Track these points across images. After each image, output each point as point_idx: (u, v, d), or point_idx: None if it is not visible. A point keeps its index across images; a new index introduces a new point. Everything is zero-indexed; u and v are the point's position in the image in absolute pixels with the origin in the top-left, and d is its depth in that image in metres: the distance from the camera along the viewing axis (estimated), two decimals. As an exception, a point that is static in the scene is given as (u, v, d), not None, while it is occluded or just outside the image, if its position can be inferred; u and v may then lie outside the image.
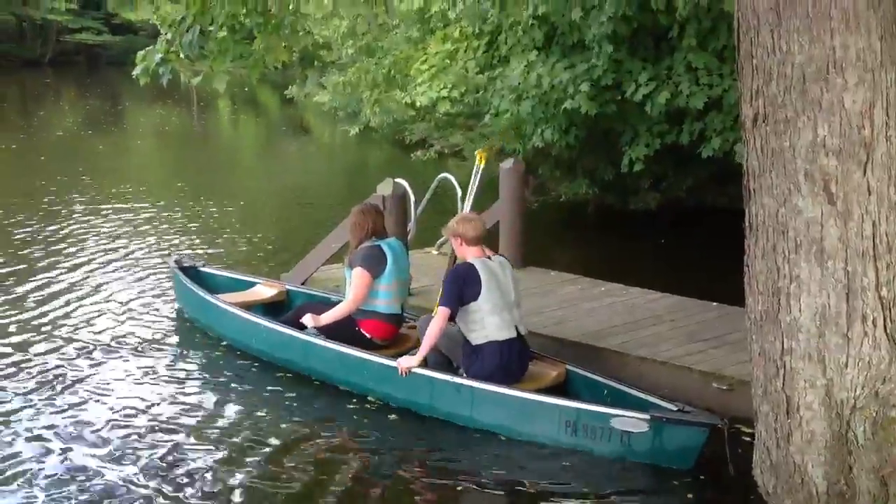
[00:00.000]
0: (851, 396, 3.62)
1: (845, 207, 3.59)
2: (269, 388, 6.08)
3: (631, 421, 4.85)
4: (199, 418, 5.57)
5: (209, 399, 5.89)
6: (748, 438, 4.32)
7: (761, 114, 3.77)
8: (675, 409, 4.94)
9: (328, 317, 6.16)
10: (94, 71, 44.69)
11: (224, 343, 6.79)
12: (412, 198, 8.05)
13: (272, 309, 7.06)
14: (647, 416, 4.82)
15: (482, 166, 6.82)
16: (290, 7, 7.69)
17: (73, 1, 43.30)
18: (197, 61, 8.38)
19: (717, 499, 4.64)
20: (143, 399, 5.82)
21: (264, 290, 7.36)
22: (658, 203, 11.34)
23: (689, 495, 4.67)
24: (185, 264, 7.75)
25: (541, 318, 6.68)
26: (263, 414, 5.66)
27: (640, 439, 4.85)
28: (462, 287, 5.42)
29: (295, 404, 5.85)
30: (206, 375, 6.30)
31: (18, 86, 37.19)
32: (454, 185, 8.40)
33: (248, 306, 6.99)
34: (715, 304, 6.97)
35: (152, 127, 26.23)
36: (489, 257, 5.63)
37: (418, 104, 12.30)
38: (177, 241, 10.82)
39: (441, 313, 5.47)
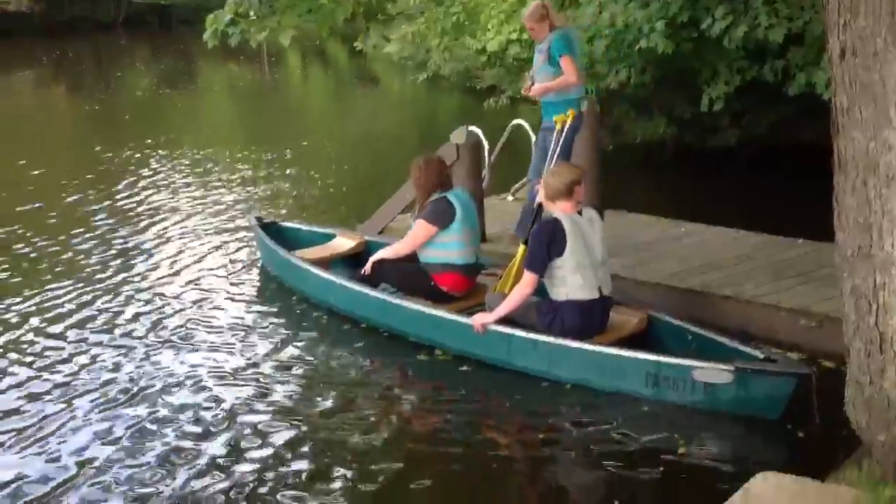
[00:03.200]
0: (947, 331, 3.57)
1: (938, 139, 3.50)
2: (349, 344, 6.14)
3: (714, 372, 4.77)
4: (270, 376, 5.66)
5: (286, 353, 5.99)
6: (838, 377, 4.29)
7: (849, 47, 3.67)
8: (762, 357, 4.86)
9: (383, 253, 6.31)
10: (166, 31, 45.24)
11: (305, 299, 6.89)
12: (486, 145, 8.06)
13: (352, 261, 7.14)
14: (731, 368, 4.73)
15: (565, 129, 6.73)
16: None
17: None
18: (264, 18, 8.47)
19: (807, 445, 4.58)
20: (218, 357, 5.95)
21: (344, 242, 7.44)
22: (738, 140, 11.14)
23: (779, 442, 4.65)
24: (266, 221, 7.87)
25: (620, 260, 6.65)
26: (341, 370, 5.74)
27: (724, 390, 4.78)
28: (549, 246, 5.32)
29: (375, 359, 5.92)
30: (286, 331, 6.40)
31: (94, 48, 37.89)
32: (528, 131, 8.37)
33: (328, 260, 7.08)
34: (800, 240, 6.87)
35: (226, 83, 26.59)
36: (580, 212, 5.48)
37: (489, 50, 12.22)
38: (255, 195, 11.04)
39: (529, 280, 5.38)
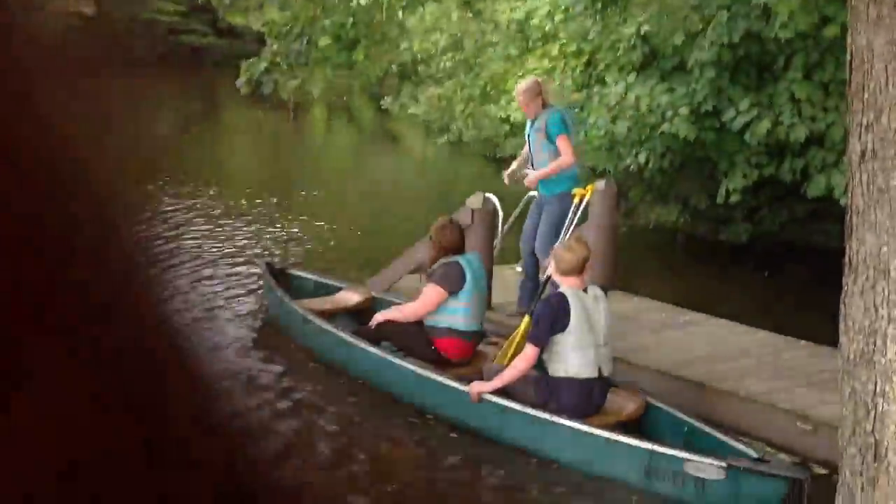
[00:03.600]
0: (945, 446, 3.50)
1: (951, 250, 3.48)
2: (343, 399, 6.09)
3: (706, 467, 4.68)
4: (260, 425, 5.60)
5: (275, 402, 5.92)
6: (829, 485, 4.19)
7: (870, 150, 3.68)
8: (756, 457, 4.77)
9: (392, 313, 6.24)
10: (196, 71, 45.89)
11: (304, 349, 6.83)
12: (500, 213, 8.06)
13: (357, 316, 7.08)
14: (723, 464, 4.64)
15: (583, 204, 6.70)
16: (395, 19, 7.83)
17: (183, 3, 44.56)
18: (298, 68, 8.60)
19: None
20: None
21: (350, 296, 7.39)
22: (751, 236, 11.13)
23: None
24: (276, 267, 7.86)
25: (622, 343, 6.56)
26: (329, 425, 5.68)
27: (715, 487, 4.67)
28: (554, 321, 5.25)
29: (366, 418, 5.87)
30: (280, 380, 6.37)
31: (126, 84, 38.35)
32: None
33: (332, 313, 7.03)
34: (803, 342, 6.80)
35: (250, 128, 26.84)
36: (585, 289, 5.42)
37: (512, 119, 12.31)
38: (267, 241, 11.06)
39: (531, 352, 5.30)
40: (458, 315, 6.08)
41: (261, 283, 8.27)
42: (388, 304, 7.08)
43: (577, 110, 10.88)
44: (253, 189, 15.15)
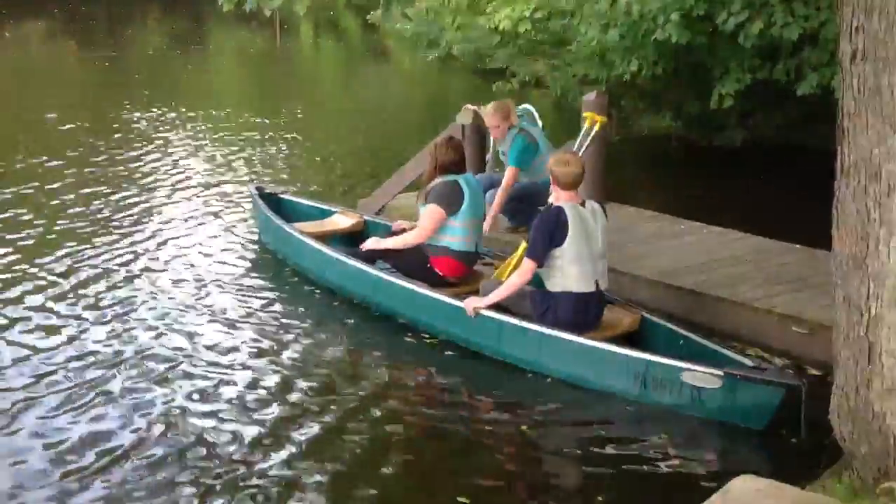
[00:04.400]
0: (937, 346, 3.52)
1: (944, 151, 3.44)
2: (339, 321, 6.10)
3: (703, 376, 4.70)
4: (260, 349, 5.62)
5: (273, 328, 5.93)
6: (826, 387, 4.24)
7: (860, 50, 3.61)
8: (752, 365, 4.79)
9: (391, 243, 6.15)
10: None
11: (298, 272, 6.84)
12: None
13: (350, 239, 7.07)
14: (720, 372, 4.65)
15: (594, 131, 6.61)
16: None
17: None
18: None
19: (793, 453, 4.50)
20: (204, 329, 5.88)
21: (342, 220, 7.37)
22: (744, 140, 11.05)
23: (765, 449, 4.60)
24: (266, 191, 7.80)
25: (618, 254, 6.55)
26: (327, 348, 5.68)
27: (712, 395, 4.70)
28: (552, 235, 5.22)
29: (363, 339, 5.88)
30: (277, 305, 6.36)
31: (107, 6, 37.70)
32: (535, 118, 8.29)
33: (326, 236, 7.01)
34: (798, 245, 6.80)
35: (237, 49, 26.47)
36: (583, 203, 5.38)
37: (501, 27, 12.11)
38: (256, 164, 10.99)
39: (528, 266, 5.29)
40: (455, 235, 6.02)
41: (251, 206, 8.25)
42: (381, 227, 7.06)
43: (567, 20, 10.71)
44: (239, 110, 15.02)
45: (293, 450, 4.49)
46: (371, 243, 6.27)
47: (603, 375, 5.07)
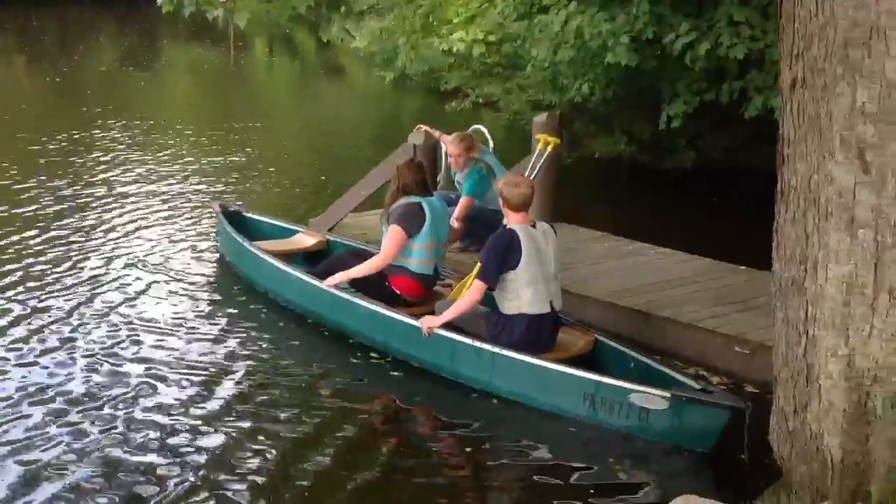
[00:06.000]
0: (873, 367, 3.58)
1: (879, 176, 3.52)
2: (294, 340, 6.13)
3: (650, 397, 4.75)
4: (215, 366, 5.60)
5: (230, 347, 5.92)
6: (768, 406, 4.30)
7: (800, 78, 3.70)
8: (699, 387, 4.84)
9: (357, 271, 6.08)
10: (132, 7, 44.61)
11: (257, 291, 6.81)
12: (443, 147, 8.03)
13: (312, 258, 7.06)
14: (666, 394, 4.71)
15: (547, 152, 6.67)
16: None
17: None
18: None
19: (735, 473, 4.56)
20: (162, 350, 5.83)
21: (305, 239, 7.37)
22: (694, 162, 11.20)
23: (708, 470, 4.65)
24: (230, 209, 7.78)
25: (567, 274, 6.59)
26: (281, 366, 5.69)
27: (658, 417, 4.75)
28: (504, 257, 5.22)
29: (318, 357, 5.90)
30: (234, 323, 6.34)
31: (59, 19, 37.26)
32: (486, 137, 8.35)
33: (288, 255, 6.99)
34: (743, 267, 6.91)
35: (190, 65, 26.25)
36: (534, 224, 5.39)
37: (455, 50, 12.19)
38: (209, 181, 10.90)
39: (477, 287, 5.31)
40: (412, 257, 6.00)
41: (212, 225, 8.18)
42: (343, 248, 7.04)
43: (518, 43, 10.80)
44: (192, 127, 14.90)
45: (220, 465, 4.49)
46: (339, 277, 6.11)
47: (553, 396, 5.09)
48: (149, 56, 26.96)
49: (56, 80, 20.42)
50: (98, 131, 13.72)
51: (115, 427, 4.79)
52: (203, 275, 7.36)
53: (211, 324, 6.28)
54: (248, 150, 12.92)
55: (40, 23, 33.95)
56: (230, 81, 22.95)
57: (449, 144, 7.24)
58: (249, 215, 7.80)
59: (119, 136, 13.50)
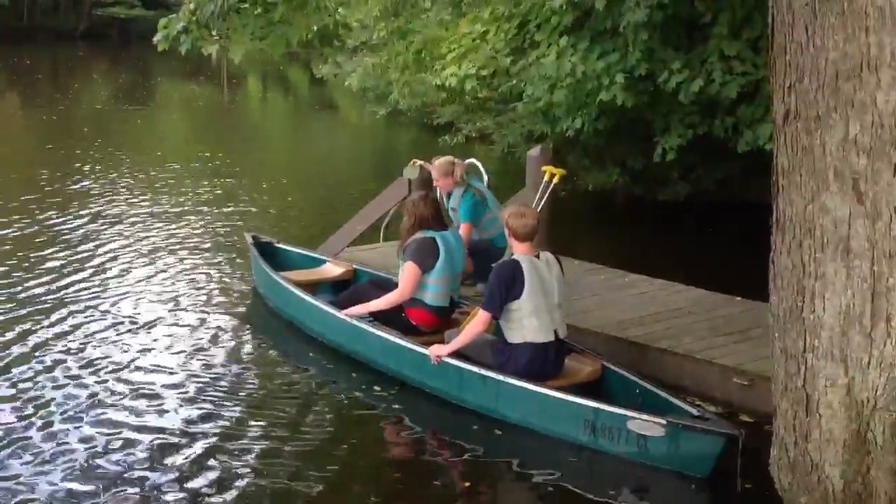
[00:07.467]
0: (872, 397, 3.59)
1: (874, 207, 3.55)
2: (313, 366, 6.35)
3: (647, 424, 4.81)
4: (235, 392, 5.81)
5: (253, 374, 6.15)
6: (767, 437, 4.31)
7: (793, 110, 3.73)
8: (696, 414, 4.88)
9: (375, 305, 6.22)
10: (125, 45, 44.90)
11: (287, 321, 7.01)
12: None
13: (340, 287, 7.21)
14: (663, 421, 4.77)
15: (553, 184, 6.73)
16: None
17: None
18: (220, 34, 8.47)
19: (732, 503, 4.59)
20: (188, 373, 6.06)
21: (332, 269, 7.57)
22: (687, 195, 11.26)
23: (706, 499, 4.68)
24: (262, 240, 7.99)
25: (564, 306, 6.65)
26: (298, 390, 5.90)
27: (656, 443, 4.81)
28: (508, 287, 5.29)
29: (335, 386, 6.10)
30: (259, 348, 6.63)
31: (52, 58, 37.46)
32: (481, 171, 8.39)
33: (315, 284, 7.22)
34: (739, 298, 6.92)
35: (184, 102, 26.39)
36: (538, 255, 5.46)
37: (447, 85, 12.26)
38: (211, 215, 11.00)
39: (483, 317, 5.40)
40: (427, 291, 6.09)
41: (230, 255, 8.52)
42: (371, 277, 7.18)
43: (513, 81, 10.86)
44: (189, 163, 14.99)
45: (247, 487, 4.62)
46: (358, 309, 6.28)
47: (555, 422, 5.16)
48: (143, 94, 27.09)
49: (52, 118, 20.49)
50: (94, 168, 13.81)
51: (141, 444, 4.99)
52: (232, 302, 7.66)
53: (234, 351, 6.52)
54: (245, 184, 13.03)
55: (34, 62, 34.13)
56: (224, 118, 23.07)
57: (434, 172, 7.33)
58: (280, 245, 8.03)
59: (114, 173, 13.58)
